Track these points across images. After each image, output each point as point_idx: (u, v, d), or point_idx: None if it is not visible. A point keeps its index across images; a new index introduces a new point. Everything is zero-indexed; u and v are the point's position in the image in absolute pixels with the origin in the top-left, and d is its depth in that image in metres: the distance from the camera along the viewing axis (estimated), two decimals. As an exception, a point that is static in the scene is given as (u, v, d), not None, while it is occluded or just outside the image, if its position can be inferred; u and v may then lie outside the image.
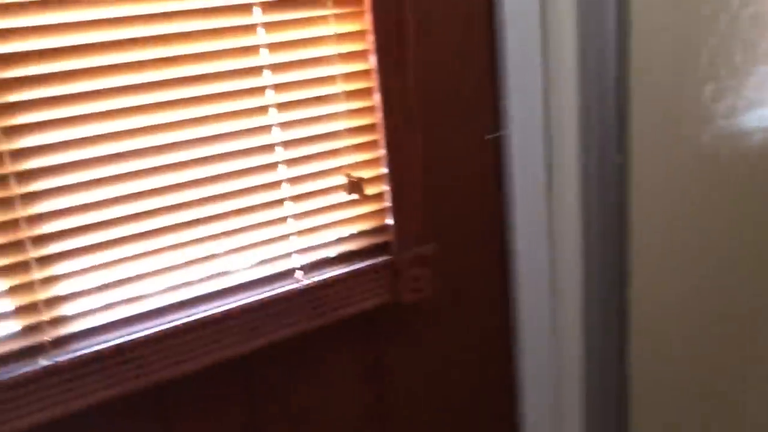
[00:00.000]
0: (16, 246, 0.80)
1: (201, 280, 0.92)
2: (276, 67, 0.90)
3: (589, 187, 1.13)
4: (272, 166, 0.93)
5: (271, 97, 0.91)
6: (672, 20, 1.07)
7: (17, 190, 0.79)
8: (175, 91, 0.84)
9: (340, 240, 1.01)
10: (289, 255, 0.97)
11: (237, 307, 0.92)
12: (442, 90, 1.04)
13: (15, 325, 0.83)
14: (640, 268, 1.18)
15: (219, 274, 0.92)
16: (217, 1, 0.85)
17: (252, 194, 0.92)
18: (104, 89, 0.81)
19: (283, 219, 0.95)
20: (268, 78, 0.90)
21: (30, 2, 0.76)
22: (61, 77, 0.79)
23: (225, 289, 0.93)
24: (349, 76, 0.96)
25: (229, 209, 0.91)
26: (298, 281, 0.98)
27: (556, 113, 1.12)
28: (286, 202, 0.95)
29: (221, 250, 0.91)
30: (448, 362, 1.16)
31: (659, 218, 1.17)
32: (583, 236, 1.16)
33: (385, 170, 1.00)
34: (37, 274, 0.82)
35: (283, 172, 0.94)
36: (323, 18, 0.92)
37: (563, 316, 1.22)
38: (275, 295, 0.95)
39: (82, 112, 0.80)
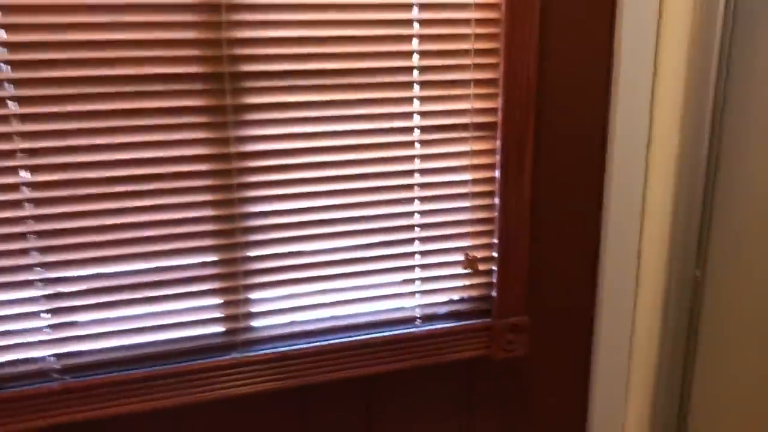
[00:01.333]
0: (232, 276, 1.18)
1: (351, 315, 1.26)
2: (424, 172, 1.24)
3: (670, 293, 1.38)
4: (410, 241, 1.26)
5: (417, 192, 1.25)
6: None
7: (238, 209, 1.17)
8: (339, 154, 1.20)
9: (452, 301, 1.33)
10: (413, 307, 1.30)
11: (372, 338, 1.26)
12: (554, 205, 1.33)
13: (220, 327, 1.21)
14: (704, 362, 1.40)
15: (365, 313, 1.27)
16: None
17: (393, 261, 1.26)
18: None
19: (412, 281, 1.29)
20: (417, 178, 1.24)
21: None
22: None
23: (366, 323, 1.28)
24: (476, 182, 1.27)
25: (378, 268, 1.25)
26: (417, 327, 1.30)
27: (648, 231, 1.37)
28: (416, 269, 1.28)
29: (370, 295, 1.26)
30: (526, 413, 1.44)
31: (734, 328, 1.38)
32: (661, 328, 1.40)
33: (495, 254, 1.31)
34: (242, 295, 1.20)
35: (417, 247, 1.27)
36: (463, 140, 1.25)
37: (636, 397, 1.46)
38: (399, 334, 1.28)
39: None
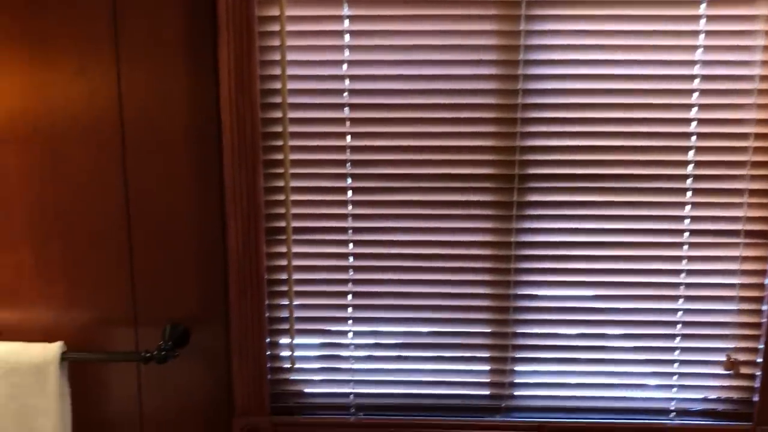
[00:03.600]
0: (502, 348, 1.36)
1: (607, 398, 1.36)
2: (691, 273, 1.31)
3: None
4: (671, 336, 1.34)
5: (683, 291, 1.32)
6: None
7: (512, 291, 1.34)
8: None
9: (708, 399, 1.36)
10: (669, 399, 1.36)
11: (626, 423, 1.34)
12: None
13: (486, 390, 1.38)
14: None
15: (620, 398, 1.36)
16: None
17: (653, 353, 1.34)
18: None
19: (671, 375, 1.35)
20: (683, 278, 1.31)
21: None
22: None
23: (621, 408, 1.37)
24: (745, 287, 1.31)
25: (638, 358, 1.34)
26: (670, 419, 1.36)
27: None
28: (676, 364, 1.35)
29: (627, 382, 1.35)
30: None
31: None
32: None
33: (760, 359, 1.32)
34: (509, 366, 1.36)
35: (678, 342, 1.33)
36: (733, 245, 1.30)
37: None
38: (651, 424, 1.35)
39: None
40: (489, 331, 1.36)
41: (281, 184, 1.30)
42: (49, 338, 1.34)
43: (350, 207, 1.32)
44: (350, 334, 1.37)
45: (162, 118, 1.28)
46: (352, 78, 1.27)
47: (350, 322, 1.36)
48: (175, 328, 1.34)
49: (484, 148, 1.29)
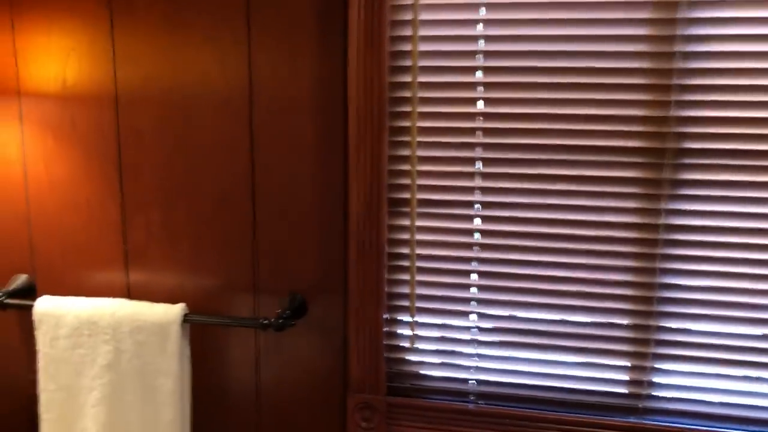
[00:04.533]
0: (643, 342, 1.22)
1: (755, 407, 1.19)
2: None
3: None
4: None
5: None
6: None
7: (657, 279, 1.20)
8: None
9: None
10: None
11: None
12: None
13: (622, 389, 1.25)
14: None
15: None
16: None
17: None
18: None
19: None
20: None
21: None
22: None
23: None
24: None
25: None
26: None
27: None
28: None
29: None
30: None
31: None
32: None
33: None
34: (649, 363, 1.22)
35: None
36: None
37: None
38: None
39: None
40: (628, 323, 1.23)
41: (407, 152, 1.24)
42: (173, 300, 1.37)
43: (479, 179, 1.23)
44: (473, 317, 1.28)
45: (289, 83, 1.26)
46: (488, 39, 1.18)
47: (474, 303, 1.27)
48: (294, 297, 1.32)
49: (633, 118, 1.16)
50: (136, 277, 1.38)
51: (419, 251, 1.27)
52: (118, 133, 1.34)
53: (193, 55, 1.28)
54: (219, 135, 1.30)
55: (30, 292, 1.42)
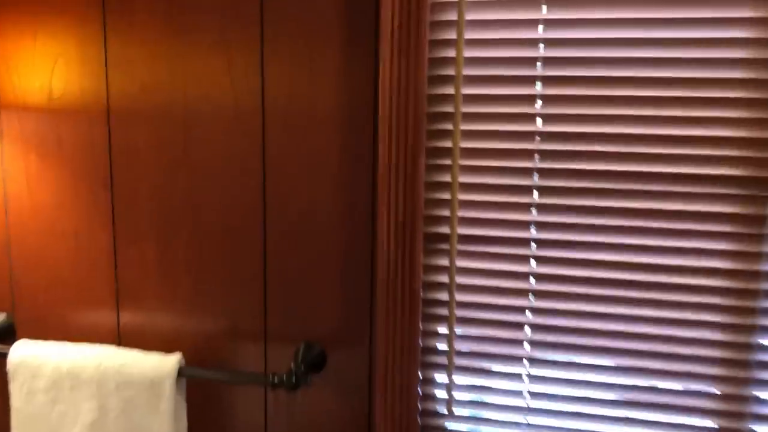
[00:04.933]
0: (736, 416, 0.98)
1: None
2: None
3: None
4: None
5: None
6: None
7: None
8: None
9: None
10: None
11: None
12: None
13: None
14: None
15: None
16: None
17: None
18: None
19: None
20: None
21: None
22: None
23: None
24: None
25: None
26: None
27: None
28: None
29: None
30: None
31: None
32: None
33: None
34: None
35: None
36: None
37: None
38: None
39: None
40: (719, 392, 0.99)
41: (447, 178, 1.03)
42: (169, 347, 1.18)
43: (535, 212, 1.01)
44: (525, 378, 1.05)
45: (309, 96, 1.06)
46: (548, 42, 0.97)
47: (526, 363, 1.05)
48: (309, 348, 1.11)
49: (730, 140, 0.94)
50: (128, 318, 1.19)
51: (460, 297, 1.06)
52: (110, 151, 1.15)
53: (198, 62, 1.09)
54: (226, 155, 1.11)
55: (8, 332, 1.24)
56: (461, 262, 1.05)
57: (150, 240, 1.17)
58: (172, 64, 1.12)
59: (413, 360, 1.05)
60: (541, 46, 0.98)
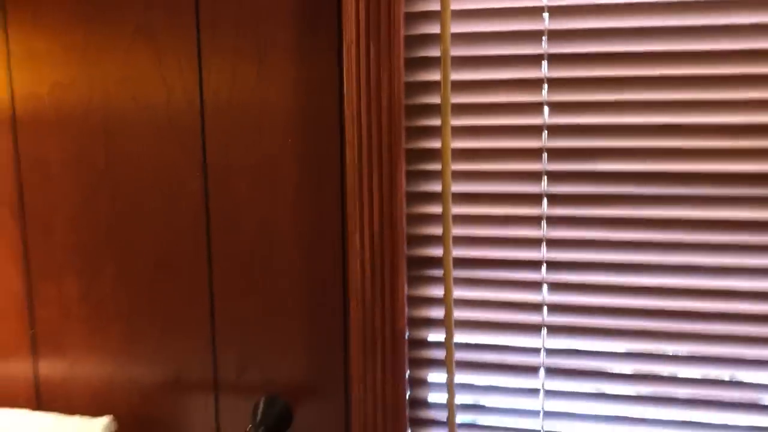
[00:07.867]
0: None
1: None
2: None
3: None
4: None
5: None
6: None
7: None
8: None
9: None
10: None
11: None
12: None
13: None
14: None
15: None
16: None
17: None
18: None
19: None
20: None
21: None
22: None
23: None
24: None
25: None
26: None
27: None
28: None
29: None
30: None
31: None
32: None
33: None
34: None
35: None
36: None
37: None
38: None
39: None
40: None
41: (436, 188, 0.82)
42: (99, 404, 0.99)
43: (545, 227, 0.80)
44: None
45: (259, 93, 0.89)
46: (553, 11, 0.77)
47: (541, 416, 0.84)
48: (271, 403, 0.91)
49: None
50: (48, 370, 0.98)
51: (459, 338, 0.85)
52: (17, 168, 0.94)
53: (119, 54, 0.90)
54: (158, 169, 0.91)
55: None
56: (458, 291, 0.84)
57: (70, 275, 0.96)
58: (87, 57, 0.92)
59: (399, 417, 0.84)
60: (545, 16, 0.77)
